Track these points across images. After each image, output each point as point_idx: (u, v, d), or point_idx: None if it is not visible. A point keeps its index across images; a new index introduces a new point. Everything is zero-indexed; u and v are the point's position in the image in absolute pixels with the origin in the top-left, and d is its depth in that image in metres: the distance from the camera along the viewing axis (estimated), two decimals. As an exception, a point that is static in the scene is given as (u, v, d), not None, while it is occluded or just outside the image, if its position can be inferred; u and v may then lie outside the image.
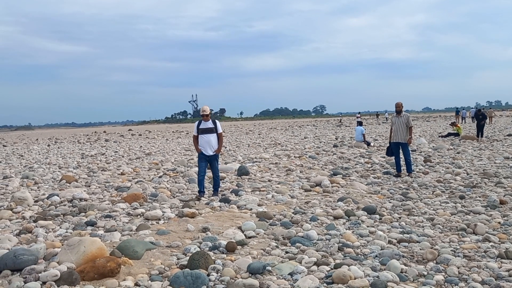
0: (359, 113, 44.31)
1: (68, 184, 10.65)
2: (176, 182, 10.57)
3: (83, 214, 7.25)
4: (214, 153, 8.47)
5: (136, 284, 4.29)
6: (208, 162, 8.52)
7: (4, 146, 32.44)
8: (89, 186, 10.42)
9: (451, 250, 5.04)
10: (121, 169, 13.41)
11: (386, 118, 42.70)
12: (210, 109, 8.74)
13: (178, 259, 4.99)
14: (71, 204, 8.04)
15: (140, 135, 44.58)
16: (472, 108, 51.84)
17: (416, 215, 6.91)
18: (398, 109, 10.74)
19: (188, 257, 4.82)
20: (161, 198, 8.29)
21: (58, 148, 27.69)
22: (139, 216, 7.05)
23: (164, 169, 13.19)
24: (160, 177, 11.37)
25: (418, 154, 15.16)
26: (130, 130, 64.14)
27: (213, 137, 8.41)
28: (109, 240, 5.65)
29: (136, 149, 23.13)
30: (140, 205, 7.78)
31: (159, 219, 6.82)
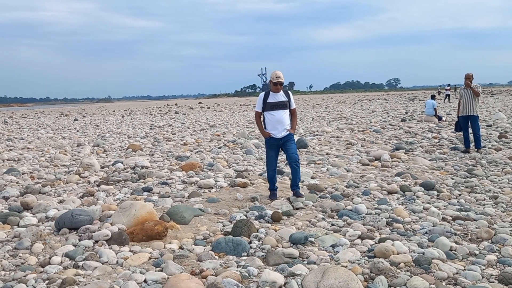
0: (449, 85, 40.86)
1: (133, 153, 11.23)
2: (233, 153, 10.75)
3: (142, 180, 7.63)
4: (287, 132, 6.15)
5: (180, 247, 4.46)
6: (279, 147, 6.27)
7: (84, 116, 34.80)
8: (153, 155, 10.92)
9: (510, 230, 4.68)
10: (184, 139, 13.88)
11: (439, 91, 39.17)
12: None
13: (223, 226, 5.11)
14: (133, 171, 8.47)
15: (209, 107, 45.66)
16: None
17: (479, 193, 6.48)
18: (468, 81, 9.99)
19: (232, 225, 4.92)
20: (216, 168, 8.48)
21: (131, 119, 29.17)
22: (193, 184, 7.29)
23: (224, 140, 13.46)
24: (219, 148, 11.62)
25: (494, 130, 14.10)
26: (200, 103, 65.86)
27: (285, 115, 6.12)
28: (161, 205, 5.92)
29: (202, 121, 23.75)
30: (196, 174, 8.02)
31: (212, 188, 6.99)
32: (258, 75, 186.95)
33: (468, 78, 9.99)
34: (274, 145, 6.20)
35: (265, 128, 6.21)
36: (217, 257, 4.19)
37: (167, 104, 63.18)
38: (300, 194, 6.10)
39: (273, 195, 6.27)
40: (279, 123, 6.09)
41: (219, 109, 40.83)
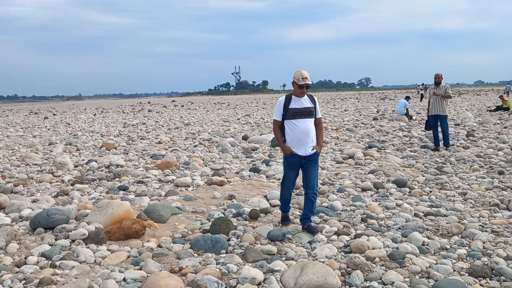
0: (423, 84, 41.61)
1: (107, 151, 11.08)
2: (209, 152, 10.74)
3: (118, 179, 7.55)
4: (314, 151, 4.83)
5: (158, 246, 4.47)
6: (301, 166, 4.89)
7: (54, 115, 33.96)
8: (127, 153, 10.80)
9: (479, 225, 4.87)
10: (159, 138, 13.78)
11: (419, 91, 40.25)
12: None
13: (201, 224, 5.13)
14: (107, 170, 8.37)
15: (183, 106, 45.30)
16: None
17: (449, 190, 6.70)
18: (438, 80, 10.29)
19: (211, 223, 4.95)
20: (193, 166, 8.47)
21: (103, 117, 28.67)
22: (169, 183, 7.27)
23: (200, 138, 13.43)
24: (195, 146, 11.60)
25: (462, 128, 14.57)
26: (173, 101, 65.25)
27: (312, 125, 4.82)
28: (138, 204, 5.89)
29: (176, 120, 23.58)
30: (172, 172, 8.00)
31: (188, 186, 6.99)
32: (232, 73, 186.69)
33: (438, 78, 10.29)
34: (297, 164, 4.84)
35: (285, 141, 4.86)
36: (196, 254, 4.22)
37: (140, 102, 62.29)
38: (315, 229, 4.76)
39: (285, 219, 5.12)
40: (304, 135, 4.73)
41: (193, 108, 40.58)
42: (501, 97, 25.27)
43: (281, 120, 4.83)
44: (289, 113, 4.77)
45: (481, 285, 3.48)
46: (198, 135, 14.73)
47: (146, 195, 6.42)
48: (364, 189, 6.72)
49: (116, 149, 11.44)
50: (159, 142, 12.80)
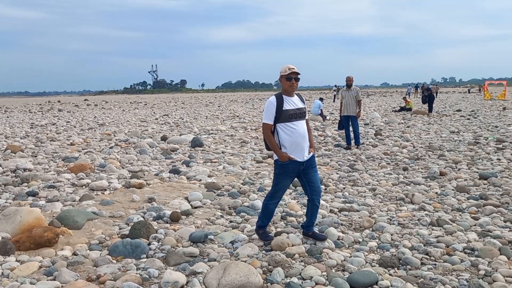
0: (335, 85, 43.64)
1: (13, 154, 10.25)
2: (126, 153, 10.40)
3: (26, 184, 7.03)
4: (311, 154, 4.46)
5: (74, 254, 4.24)
6: (299, 174, 4.45)
7: None
8: (36, 156, 10.09)
9: (387, 219, 5.25)
10: (71, 139, 13.04)
11: (334, 91, 42.68)
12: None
13: (120, 228, 4.96)
14: (14, 174, 7.76)
15: (96, 105, 43.29)
16: (429, 84, 53.32)
17: (360, 186, 7.13)
18: (349, 83, 10.90)
19: (130, 227, 4.80)
20: (109, 169, 8.14)
21: (8, 117, 26.48)
22: (84, 187, 6.92)
23: (116, 139, 12.94)
24: (111, 147, 11.15)
25: (370, 128, 15.56)
26: (86, 100, 62.08)
27: (305, 126, 4.47)
28: (49, 210, 5.55)
29: (90, 120, 22.49)
30: (87, 176, 7.62)
31: (105, 190, 6.72)
32: (149, 72, 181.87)
33: (349, 80, 10.90)
34: (295, 172, 4.37)
35: (285, 147, 4.34)
36: (114, 261, 4.07)
37: (49, 101, 58.44)
38: (323, 236, 4.52)
39: (266, 235, 4.57)
40: (303, 139, 4.34)
41: (107, 107, 38.92)
42: (404, 98, 27.34)
43: (273, 123, 4.34)
44: (283, 116, 4.28)
45: (390, 274, 3.76)
46: (114, 135, 14.17)
47: (58, 200, 6.05)
48: (283, 188, 6.91)
49: (23, 152, 10.62)
50: (72, 144, 12.11)
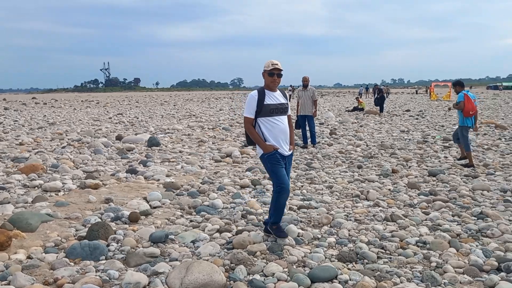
0: (291, 86, 44.20)
1: (-44, 155, 9.68)
2: (80, 153, 10.09)
3: (-29, 186, 6.67)
4: (291, 151, 4.57)
5: (28, 257, 4.09)
6: None
7: None
8: (-19, 157, 9.57)
9: (344, 215, 5.42)
10: (20, 139, 12.48)
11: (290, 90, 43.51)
12: None
13: (76, 230, 4.83)
14: (-42, 176, 7.34)
15: (45, 103, 41.58)
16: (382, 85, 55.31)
17: (317, 184, 7.30)
18: (305, 83, 11.11)
19: (87, 229, 4.69)
20: (62, 169, 7.88)
21: None
22: (36, 188, 6.66)
23: (68, 139, 12.51)
24: (63, 147, 10.78)
25: (325, 127, 15.92)
26: (34, 98, 59.40)
27: (286, 122, 4.51)
28: (0, 213, 5.29)
29: (39, 118, 21.59)
30: (39, 176, 7.34)
31: (59, 191, 6.50)
32: (101, 69, 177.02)
33: (305, 81, 11.11)
34: (282, 160, 4.38)
35: (268, 139, 4.37)
36: (72, 263, 3.96)
37: (-7, 99, 55.50)
38: (284, 233, 4.51)
39: (281, 231, 4.52)
40: (284, 134, 4.40)
41: (57, 105, 37.47)
42: (357, 98, 28.17)
43: (253, 117, 4.37)
44: (264, 110, 4.31)
45: (348, 269, 3.89)
46: (66, 135, 13.70)
47: (9, 202, 5.78)
48: (242, 186, 6.97)
49: (-34, 152, 10.06)
50: (21, 144, 11.59)
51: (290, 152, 4.50)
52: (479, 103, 32.09)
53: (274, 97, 4.40)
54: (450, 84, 45.10)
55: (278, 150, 4.32)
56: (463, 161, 8.75)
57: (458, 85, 8.76)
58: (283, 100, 4.47)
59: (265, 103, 4.31)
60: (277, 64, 4.35)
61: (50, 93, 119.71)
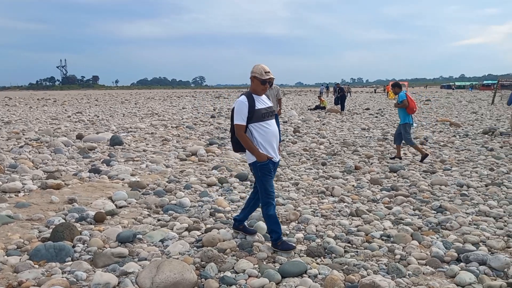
0: None
1: None
2: (40, 153, 9.75)
3: None
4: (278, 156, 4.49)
5: (-11, 261, 3.93)
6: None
7: None
8: None
9: (311, 211, 5.53)
10: (-28, 138, 11.92)
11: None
12: None
13: (40, 232, 4.69)
14: None
15: (-2, 101, 39.84)
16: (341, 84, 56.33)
17: (284, 181, 7.39)
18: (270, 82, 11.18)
19: (51, 230, 4.56)
20: (21, 169, 7.59)
21: None
22: (-6, 189, 6.39)
23: (26, 138, 12.06)
24: (21, 147, 10.38)
25: (289, 126, 16.10)
26: (-15, 96, 56.77)
27: (275, 125, 4.36)
28: (-45, 216, 5.05)
29: (-8, 117, 20.67)
30: (-4, 177, 7.04)
31: (19, 192, 6.27)
32: (57, 67, 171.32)
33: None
34: (273, 170, 4.32)
35: (262, 146, 4.20)
36: (37, 266, 3.85)
37: None
38: (253, 230, 4.64)
39: (287, 244, 4.29)
40: (276, 138, 4.27)
41: (12, 104, 35.99)
42: (319, 97, 28.61)
43: (245, 123, 4.11)
44: (256, 115, 4.10)
45: (317, 263, 3.98)
46: (23, 134, 13.19)
47: (-36, 205, 5.54)
48: (209, 185, 6.96)
49: None
50: (-26, 143, 11.07)
51: (279, 158, 4.41)
52: (434, 101, 33.37)
53: (263, 101, 4.24)
54: (407, 83, 46.74)
55: (272, 159, 4.21)
56: (426, 159, 9.01)
57: (397, 86, 9.48)
58: (270, 104, 4.33)
59: (256, 108, 4.12)
60: (269, 73, 4.19)
61: (3, 91, 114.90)
